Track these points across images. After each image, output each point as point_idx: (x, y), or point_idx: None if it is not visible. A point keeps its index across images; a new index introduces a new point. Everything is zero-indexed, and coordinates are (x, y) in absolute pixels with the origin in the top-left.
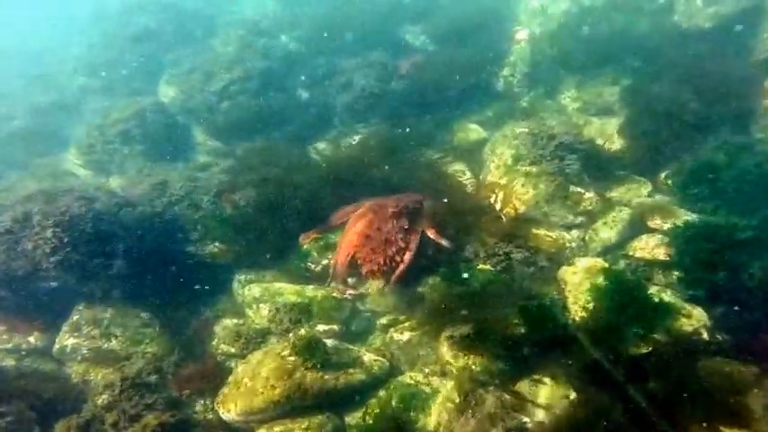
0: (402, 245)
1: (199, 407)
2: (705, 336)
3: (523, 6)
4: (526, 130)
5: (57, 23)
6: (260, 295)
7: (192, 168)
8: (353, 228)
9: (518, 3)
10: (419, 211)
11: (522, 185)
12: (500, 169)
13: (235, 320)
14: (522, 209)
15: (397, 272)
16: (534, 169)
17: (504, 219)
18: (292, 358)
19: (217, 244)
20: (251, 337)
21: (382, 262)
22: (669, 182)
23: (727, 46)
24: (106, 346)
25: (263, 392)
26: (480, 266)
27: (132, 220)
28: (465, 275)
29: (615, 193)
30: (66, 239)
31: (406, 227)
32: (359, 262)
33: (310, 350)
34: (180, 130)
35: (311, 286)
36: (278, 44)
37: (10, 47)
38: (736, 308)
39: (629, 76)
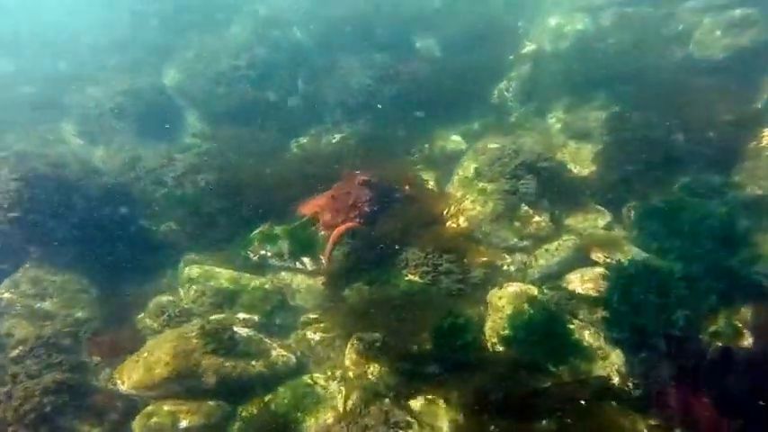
0: (367, 210)
1: (104, 375)
2: (616, 380)
3: (539, 23)
4: (497, 145)
5: None
6: (196, 276)
7: (173, 148)
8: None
9: (535, 19)
10: (388, 194)
11: (472, 201)
12: (461, 182)
13: (170, 297)
14: (465, 225)
15: (338, 230)
16: (489, 186)
17: (449, 232)
18: (196, 340)
19: (171, 223)
20: (174, 315)
21: (340, 221)
22: (631, 215)
23: (735, 81)
24: (39, 305)
25: (155, 369)
26: (408, 276)
27: (95, 190)
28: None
29: (571, 221)
30: (26, 196)
31: (373, 200)
32: (318, 217)
33: (216, 335)
34: (174, 111)
35: (248, 274)
36: (290, 37)
37: (38, 17)
38: (655, 355)
39: (620, 102)
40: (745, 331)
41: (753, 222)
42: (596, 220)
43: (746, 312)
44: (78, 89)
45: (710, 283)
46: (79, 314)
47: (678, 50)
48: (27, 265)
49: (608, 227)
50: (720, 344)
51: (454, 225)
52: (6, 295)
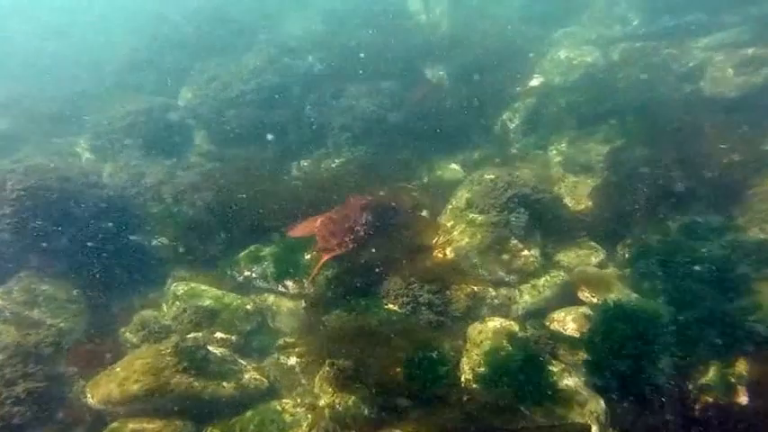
0: (362, 234)
1: (78, 387)
2: (595, 429)
3: (549, 55)
4: (492, 176)
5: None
6: (181, 293)
7: (177, 167)
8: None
9: (546, 50)
10: (387, 219)
11: (461, 232)
12: (453, 212)
13: (154, 313)
14: (452, 255)
15: (327, 254)
16: (480, 217)
17: (435, 262)
18: (169, 358)
19: (164, 239)
20: (154, 331)
21: (335, 243)
22: (625, 254)
23: (745, 121)
24: (27, 313)
25: (124, 384)
26: (389, 305)
27: (95, 203)
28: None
29: (563, 256)
30: (27, 205)
31: (370, 224)
32: (317, 238)
33: (189, 353)
34: (183, 130)
35: (232, 294)
36: (302, 64)
37: (69, 33)
38: (639, 404)
39: (624, 136)
40: (739, 387)
41: (753, 269)
42: (589, 257)
43: (742, 365)
44: (95, 106)
45: (703, 330)
46: (64, 324)
47: (688, 87)
48: (22, 274)
49: (601, 264)
50: (710, 399)
51: (441, 255)
52: None
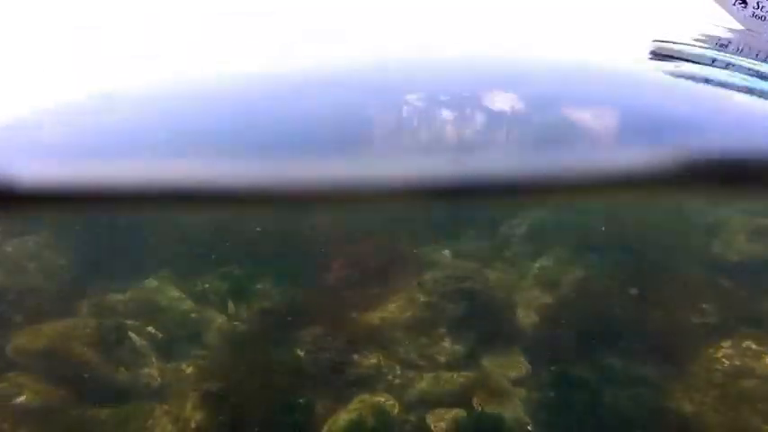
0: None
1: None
2: None
3: None
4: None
5: None
6: (149, 287)
7: None
8: None
9: None
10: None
11: (397, 304)
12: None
13: (117, 296)
14: (377, 323)
15: None
16: (422, 297)
17: (361, 323)
18: (89, 330)
19: (166, 241)
20: (102, 310)
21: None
22: (545, 378)
23: (735, 287)
24: (24, 263)
25: (36, 340)
26: (297, 350)
27: None
28: None
29: (486, 362)
30: None
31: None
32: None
33: (107, 332)
34: None
35: (190, 301)
36: None
37: None
38: None
39: (609, 265)
40: None
41: None
42: (510, 370)
43: None
44: None
45: None
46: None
47: (699, 240)
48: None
49: (517, 381)
50: None
51: (370, 318)
52: None
